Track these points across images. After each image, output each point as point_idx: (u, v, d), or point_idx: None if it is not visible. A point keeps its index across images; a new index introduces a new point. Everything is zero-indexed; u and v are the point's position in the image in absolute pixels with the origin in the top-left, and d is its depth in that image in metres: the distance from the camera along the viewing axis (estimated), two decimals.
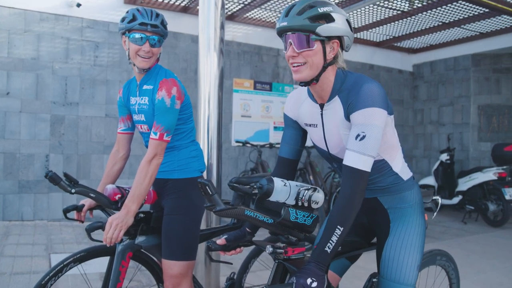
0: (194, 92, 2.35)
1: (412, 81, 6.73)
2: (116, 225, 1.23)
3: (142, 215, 1.38)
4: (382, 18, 4.93)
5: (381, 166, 1.12)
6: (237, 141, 4.94)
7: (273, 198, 0.94)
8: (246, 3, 4.50)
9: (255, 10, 4.72)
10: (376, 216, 1.21)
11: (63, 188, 1.26)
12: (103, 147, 4.36)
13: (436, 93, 6.35)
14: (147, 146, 1.49)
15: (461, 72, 5.99)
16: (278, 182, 0.95)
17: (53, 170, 4.06)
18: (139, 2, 4.36)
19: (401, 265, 1.11)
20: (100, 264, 1.39)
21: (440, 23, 5.08)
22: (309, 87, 1.10)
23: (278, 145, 5.07)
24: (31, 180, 4.02)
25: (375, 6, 4.54)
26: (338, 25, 1.00)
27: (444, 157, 5.23)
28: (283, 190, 0.95)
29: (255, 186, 0.99)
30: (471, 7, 4.49)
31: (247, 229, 1.18)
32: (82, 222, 1.44)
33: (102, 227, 1.25)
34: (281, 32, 1.02)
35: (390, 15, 4.82)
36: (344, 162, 0.99)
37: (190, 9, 4.62)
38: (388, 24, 5.17)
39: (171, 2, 4.49)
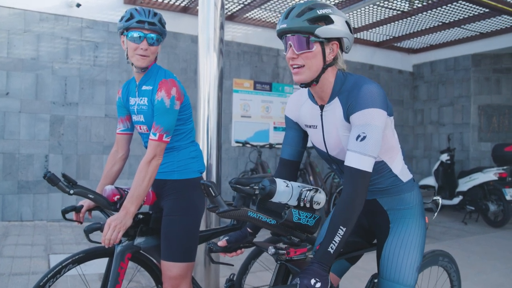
0: (194, 93, 2.34)
1: (412, 81, 6.72)
2: (115, 226, 1.23)
3: (141, 216, 1.37)
4: (382, 18, 4.93)
5: (380, 167, 1.12)
6: (237, 142, 4.94)
7: (275, 199, 0.94)
8: (246, 3, 4.49)
9: (255, 10, 4.72)
10: (376, 217, 1.21)
11: (61, 189, 1.25)
12: (102, 147, 4.35)
13: (436, 93, 6.35)
14: (146, 147, 1.49)
15: (461, 72, 5.99)
16: (280, 183, 0.95)
17: (53, 170, 4.09)
18: (139, 2, 4.35)
19: (400, 265, 1.11)
20: (99, 265, 1.38)
21: (440, 23, 5.08)
22: (310, 88, 1.10)
23: (278, 146, 5.09)
24: (31, 181, 4.01)
25: (375, 6, 4.54)
26: (337, 27, 1.01)
27: (445, 157, 5.22)
28: (285, 191, 0.95)
29: (255, 187, 0.99)
30: (471, 7, 4.48)
31: (248, 230, 1.18)
32: (81, 223, 1.43)
33: (100, 228, 1.25)
34: (281, 34, 1.03)
35: (390, 15, 4.82)
36: (345, 163, 0.99)
37: (190, 9, 4.62)
38: (388, 24, 5.16)
39: (171, 2, 4.48)
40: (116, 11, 4.34)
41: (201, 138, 2.20)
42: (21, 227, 3.77)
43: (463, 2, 4.34)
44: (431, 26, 5.19)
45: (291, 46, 1.00)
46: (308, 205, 0.97)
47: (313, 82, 1.03)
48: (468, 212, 4.82)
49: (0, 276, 2.47)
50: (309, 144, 1.26)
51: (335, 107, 1.06)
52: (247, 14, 4.86)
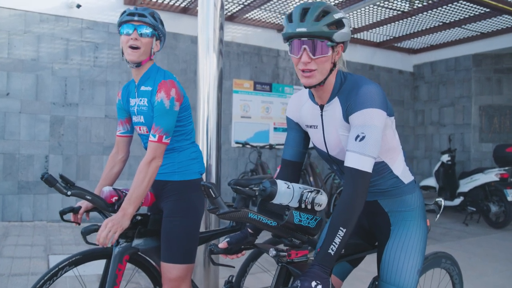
0: (194, 93, 2.34)
1: (413, 81, 6.71)
2: (111, 226, 1.22)
3: (139, 217, 1.37)
4: (382, 18, 4.92)
5: (381, 168, 1.11)
6: (237, 142, 4.93)
7: (276, 200, 0.94)
8: (245, 4, 4.49)
9: (255, 11, 4.71)
10: (377, 219, 1.20)
11: (59, 190, 1.25)
12: (102, 148, 4.35)
13: (437, 93, 6.33)
14: (146, 148, 1.48)
15: (462, 72, 5.97)
16: (281, 184, 0.94)
17: (53, 171, 4.09)
18: (139, 2, 4.35)
19: (401, 269, 1.10)
20: (98, 266, 1.37)
21: (441, 23, 5.06)
22: (312, 89, 1.10)
23: (278, 146, 5.08)
24: (31, 181, 4.01)
25: (375, 7, 4.53)
26: (347, 31, 1.03)
27: (445, 158, 5.20)
28: (286, 193, 0.94)
29: (255, 189, 0.98)
30: (472, 7, 4.47)
31: (249, 231, 1.17)
32: (79, 224, 1.42)
33: (98, 230, 1.24)
34: (296, 37, 1.00)
35: (390, 15, 4.81)
36: (345, 164, 0.99)
37: (189, 10, 4.62)
38: (388, 25, 5.15)
39: (171, 3, 4.48)
40: (116, 11, 4.34)
41: (201, 139, 2.20)
42: (21, 227, 3.77)
43: (464, 2, 4.33)
44: (432, 26, 5.18)
45: (305, 49, 0.99)
46: (309, 206, 0.96)
47: (321, 83, 1.03)
48: (469, 213, 4.80)
49: (0, 276, 2.47)
50: (309, 144, 1.25)
51: (335, 107, 1.06)
52: (247, 15, 4.85)
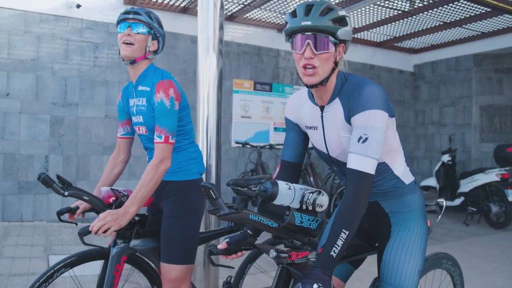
0: (194, 93, 2.33)
1: (413, 81, 6.69)
2: (109, 220, 1.20)
3: (137, 218, 1.36)
4: (382, 18, 4.91)
5: (382, 169, 1.10)
6: (237, 142, 4.92)
7: (277, 201, 0.93)
8: (245, 3, 4.48)
9: (255, 10, 4.71)
10: (377, 220, 1.20)
11: (56, 191, 1.24)
12: (102, 148, 4.35)
13: (438, 93, 6.32)
14: (145, 148, 1.48)
15: (462, 72, 5.96)
16: (282, 185, 0.93)
17: (53, 171, 4.08)
18: (139, 2, 4.35)
19: (401, 270, 1.09)
20: (98, 266, 1.37)
21: (441, 23, 5.05)
22: (312, 89, 1.09)
23: (278, 146, 5.07)
24: (31, 181, 4.01)
25: (376, 6, 4.52)
26: (350, 29, 1.03)
27: (446, 158, 5.19)
28: (287, 194, 0.94)
29: (254, 189, 0.98)
30: (472, 6, 4.46)
31: (249, 232, 1.17)
32: (76, 224, 1.42)
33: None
34: (299, 32, 0.99)
35: (391, 15, 4.80)
36: (348, 165, 0.98)
37: (189, 10, 4.61)
38: (389, 24, 5.14)
39: (171, 3, 4.48)
40: (116, 11, 4.33)
41: (201, 139, 2.19)
42: (21, 227, 3.77)
43: (464, 2, 4.31)
44: (432, 25, 5.17)
45: (309, 44, 0.98)
46: (310, 207, 0.96)
47: (323, 82, 1.02)
48: (470, 213, 4.79)
49: (0, 276, 2.47)
50: (309, 145, 1.24)
51: (336, 108, 1.05)
52: (247, 15, 4.85)
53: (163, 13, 4.58)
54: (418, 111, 6.62)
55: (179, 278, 1.35)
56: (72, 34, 4.19)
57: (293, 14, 1.01)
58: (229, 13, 4.79)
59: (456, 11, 4.63)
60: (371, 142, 0.95)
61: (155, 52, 1.44)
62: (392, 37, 5.77)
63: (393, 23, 5.10)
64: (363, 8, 4.55)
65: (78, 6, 4.09)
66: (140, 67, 1.40)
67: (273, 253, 0.96)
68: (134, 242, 1.35)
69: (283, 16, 4.87)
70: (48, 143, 4.10)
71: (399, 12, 4.69)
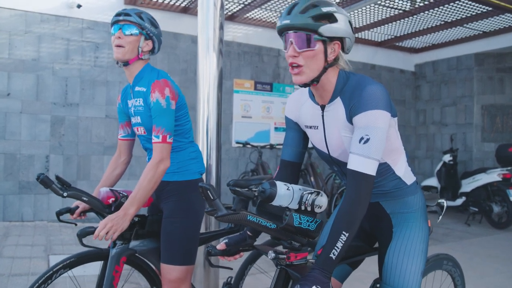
0: (195, 93, 2.32)
1: (414, 81, 6.67)
2: (111, 226, 1.21)
3: (136, 218, 1.36)
4: (383, 17, 4.89)
5: (383, 169, 1.09)
6: (237, 142, 4.92)
7: (276, 202, 0.92)
8: (246, 3, 4.48)
9: (255, 10, 4.70)
10: (378, 221, 1.19)
11: (55, 192, 1.24)
12: (103, 148, 4.35)
13: (439, 93, 6.30)
14: (145, 149, 1.47)
15: (464, 71, 5.94)
16: (281, 186, 0.93)
17: (53, 171, 4.08)
18: (139, 2, 4.35)
19: (404, 272, 1.08)
20: (98, 267, 1.36)
21: (443, 22, 5.03)
22: (310, 88, 1.08)
23: (279, 146, 5.06)
24: (31, 181, 4.02)
25: (377, 6, 4.51)
26: (341, 26, 0.98)
27: (447, 158, 5.17)
28: (286, 194, 0.93)
29: (254, 190, 0.97)
30: (473, 5, 4.44)
31: (248, 233, 1.16)
32: (76, 224, 1.42)
33: (94, 232, 1.23)
34: (282, 31, 0.99)
35: (392, 14, 4.78)
36: (348, 166, 0.97)
37: (190, 10, 4.61)
38: (390, 24, 5.13)
39: (171, 3, 4.47)
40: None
41: (201, 139, 2.19)
42: (21, 227, 3.77)
43: (466, 1, 4.30)
44: (433, 25, 5.15)
45: (292, 43, 0.97)
46: (309, 208, 0.95)
47: (314, 82, 1.01)
48: (471, 213, 4.77)
49: (0, 276, 2.47)
50: (309, 145, 1.23)
51: (337, 108, 1.04)
52: (248, 14, 4.84)
53: (164, 13, 4.58)
54: (419, 110, 6.60)
55: (179, 279, 1.34)
56: (73, 34, 4.19)
57: (283, 13, 1.01)
58: (229, 13, 4.78)
59: (457, 10, 4.62)
60: (372, 143, 0.94)
61: (152, 51, 1.43)
62: (393, 37, 5.76)
63: (394, 23, 5.08)
64: (364, 8, 4.54)
65: (79, 6, 4.09)
66: (135, 68, 1.39)
67: (271, 254, 0.96)
68: (133, 243, 1.35)
69: None
70: (48, 143, 4.11)
71: (400, 11, 4.68)
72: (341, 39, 1.00)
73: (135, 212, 1.26)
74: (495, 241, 3.97)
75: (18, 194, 3.97)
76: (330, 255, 0.90)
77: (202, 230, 2.01)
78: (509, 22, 5.00)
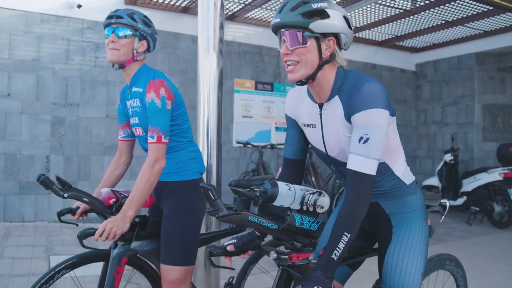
0: (195, 93, 2.32)
1: (415, 80, 6.66)
2: (110, 229, 1.20)
3: (137, 219, 1.35)
4: (384, 17, 4.88)
5: (382, 169, 1.08)
6: (238, 142, 4.91)
7: (277, 202, 0.92)
8: (246, 3, 4.47)
9: (256, 10, 4.69)
10: (378, 221, 1.18)
11: (56, 192, 1.23)
12: (103, 148, 4.34)
13: (440, 92, 6.28)
14: (144, 150, 1.47)
15: (465, 71, 5.92)
16: (282, 186, 0.92)
17: (54, 171, 4.08)
18: (140, 2, 4.34)
19: (404, 273, 1.08)
20: (100, 267, 1.36)
21: (443, 22, 5.02)
22: (308, 86, 1.07)
23: (280, 146, 5.06)
24: (32, 181, 4.01)
25: (377, 5, 4.50)
26: (334, 22, 0.97)
27: (448, 157, 5.16)
28: (287, 195, 0.93)
29: (255, 190, 0.97)
30: (474, 5, 4.43)
31: (257, 233, 1.15)
32: (77, 225, 1.41)
33: (94, 234, 1.22)
34: (276, 29, 0.99)
35: (392, 14, 4.77)
36: (348, 166, 0.96)
37: (190, 10, 4.60)
38: (390, 23, 5.12)
39: (172, 3, 4.47)
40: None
41: (201, 139, 2.18)
42: (22, 228, 3.77)
43: (466, 0, 4.29)
44: (434, 24, 5.14)
45: (285, 41, 0.97)
46: (311, 209, 0.95)
47: (309, 79, 1.00)
48: (472, 213, 4.77)
49: (1, 277, 2.47)
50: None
51: (335, 106, 1.02)
52: (248, 14, 4.83)
53: (164, 13, 4.57)
54: (420, 110, 6.59)
55: (178, 280, 1.34)
56: (73, 34, 4.18)
57: (276, 12, 1.01)
58: (230, 13, 4.78)
59: (458, 10, 4.60)
60: (372, 143, 0.93)
61: (148, 50, 1.42)
62: (393, 36, 5.74)
63: (395, 22, 5.07)
64: (364, 7, 4.53)
65: (79, 6, 4.09)
66: (131, 69, 1.39)
67: (273, 254, 0.96)
68: (135, 244, 1.35)
69: None
70: (49, 143, 4.10)
71: (401, 11, 4.67)
72: (336, 35, 0.98)
73: (134, 214, 1.26)
74: (496, 241, 3.96)
75: (19, 195, 3.97)
76: (332, 256, 0.89)
77: (203, 230, 2.00)
78: (510, 21, 4.98)
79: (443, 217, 1.40)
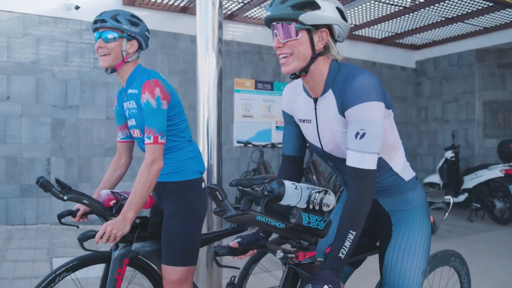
0: (195, 93, 2.32)
1: (416, 78, 6.65)
2: (111, 231, 1.20)
3: (138, 220, 1.35)
4: (384, 14, 4.87)
5: (379, 165, 1.05)
6: (238, 142, 4.91)
7: (284, 202, 0.92)
8: (245, 2, 4.46)
9: (255, 9, 4.68)
10: (377, 219, 1.17)
11: (55, 195, 1.23)
12: (104, 150, 4.34)
13: (440, 89, 6.27)
14: (143, 150, 1.46)
15: (465, 67, 5.91)
16: (289, 185, 0.92)
17: (55, 173, 4.08)
18: (138, 3, 4.34)
19: (405, 271, 1.06)
20: (101, 269, 1.35)
21: (443, 18, 5.01)
22: (302, 80, 1.05)
23: (280, 145, 5.05)
24: (33, 184, 4.01)
25: (377, 2, 4.49)
26: (325, 13, 0.95)
27: (449, 154, 5.16)
28: (294, 194, 0.92)
29: (257, 189, 0.96)
30: (474, 1, 4.41)
31: (261, 234, 1.15)
32: (78, 227, 1.41)
33: (95, 236, 1.22)
34: (267, 23, 0.99)
35: (392, 11, 4.76)
36: (347, 163, 0.95)
37: (189, 9, 4.59)
38: (390, 21, 5.10)
39: (170, 3, 4.46)
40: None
41: (201, 139, 2.18)
42: (24, 230, 3.77)
43: None
44: (434, 21, 5.12)
45: (276, 34, 0.96)
46: (317, 207, 0.94)
47: (302, 72, 0.98)
48: (473, 209, 4.76)
49: (3, 280, 2.47)
50: None
51: (329, 100, 1.00)
52: (247, 13, 4.82)
53: (163, 13, 4.57)
54: (421, 107, 6.58)
55: (180, 280, 1.33)
56: (72, 36, 4.18)
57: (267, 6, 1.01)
58: (228, 12, 4.77)
59: (458, 6, 4.59)
60: (369, 137, 0.91)
61: (140, 49, 1.40)
62: (393, 34, 5.73)
63: (395, 19, 5.06)
64: (364, 5, 4.52)
65: (77, 7, 4.08)
66: (125, 71, 1.38)
67: (280, 253, 0.95)
68: (136, 245, 1.34)
69: None
70: (49, 145, 4.10)
71: (401, 8, 4.65)
72: (329, 27, 0.96)
73: (134, 216, 1.26)
74: (497, 237, 3.96)
75: (20, 198, 3.97)
76: (339, 255, 0.89)
77: (204, 231, 2.00)
78: (510, 18, 4.97)
79: (446, 214, 1.40)
